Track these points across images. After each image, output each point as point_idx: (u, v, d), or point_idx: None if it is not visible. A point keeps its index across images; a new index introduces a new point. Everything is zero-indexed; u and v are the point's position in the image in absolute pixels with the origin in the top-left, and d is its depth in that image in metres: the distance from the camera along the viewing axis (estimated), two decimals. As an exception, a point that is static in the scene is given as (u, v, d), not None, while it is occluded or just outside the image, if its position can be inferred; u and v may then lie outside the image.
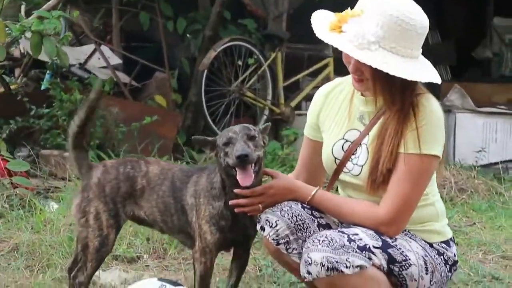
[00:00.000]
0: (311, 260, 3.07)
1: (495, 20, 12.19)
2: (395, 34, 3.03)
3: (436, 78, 3.13)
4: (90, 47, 8.43)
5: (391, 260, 3.14)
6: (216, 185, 3.29)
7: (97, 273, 3.97)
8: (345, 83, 3.42)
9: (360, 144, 3.28)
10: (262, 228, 3.28)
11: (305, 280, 3.15)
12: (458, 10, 11.98)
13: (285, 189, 3.31)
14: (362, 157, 3.26)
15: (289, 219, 3.25)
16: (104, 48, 8.31)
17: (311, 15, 3.22)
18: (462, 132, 8.70)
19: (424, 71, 3.13)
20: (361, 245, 3.08)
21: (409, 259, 3.17)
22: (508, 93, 10.65)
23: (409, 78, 3.04)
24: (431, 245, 3.31)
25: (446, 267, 3.32)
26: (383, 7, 3.03)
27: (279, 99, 8.02)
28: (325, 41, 3.11)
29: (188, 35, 8.67)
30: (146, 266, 4.39)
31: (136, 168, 3.45)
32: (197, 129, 7.84)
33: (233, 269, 3.49)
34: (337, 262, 3.03)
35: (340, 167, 3.33)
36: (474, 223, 5.63)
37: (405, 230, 3.29)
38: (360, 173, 3.26)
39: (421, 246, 3.27)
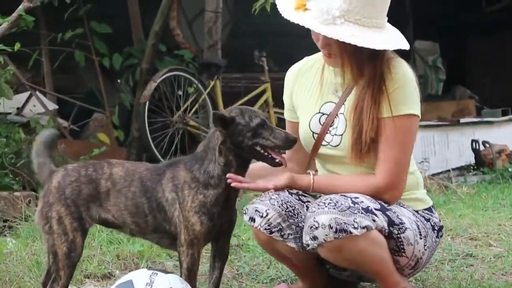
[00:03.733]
0: (318, 224, 3.06)
1: (416, 43, 12.50)
2: (358, 6, 3.08)
3: (404, 45, 3.18)
4: (24, 95, 8.31)
5: (390, 222, 3.18)
6: (215, 173, 3.21)
7: (72, 289, 3.89)
8: (314, 59, 3.47)
9: (337, 114, 3.31)
10: (252, 219, 3.26)
11: (308, 248, 3.13)
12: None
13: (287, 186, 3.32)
14: (341, 126, 3.29)
15: (279, 206, 3.25)
16: (39, 95, 8.22)
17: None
18: (401, 146, 8.82)
19: (391, 39, 3.18)
20: (364, 207, 3.10)
21: (404, 222, 3.22)
22: (437, 110, 10.92)
23: (377, 47, 3.09)
24: (416, 212, 3.36)
25: (434, 232, 3.36)
26: None
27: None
28: (291, 20, 3.14)
29: (118, 80, 8.65)
30: (120, 281, 4.28)
31: (98, 170, 3.35)
32: (143, 164, 7.78)
33: (215, 263, 3.42)
34: (345, 223, 3.04)
35: (319, 140, 3.35)
36: (436, 215, 5.70)
37: None
38: (340, 143, 3.28)
39: (411, 212, 3.31)
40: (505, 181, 7.99)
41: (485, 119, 9.72)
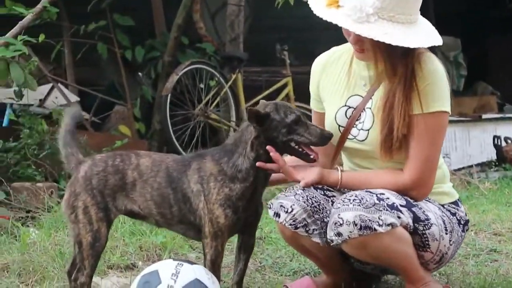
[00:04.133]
0: (343, 220, 3.04)
1: (437, 38, 12.38)
2: (392, 3, 3.03)
3: (437, 41, 3.14)
4: (46, 87, 8.34)
5: (415, 219, 3.15)
6: (243, 167, 3.19)
7: (96, 280, 3.89)
8: (342, 50, 3.43)
9: (364, 109, 3.28)
10: (277, 215, 3.24)
11: (332, 244, 3.11)
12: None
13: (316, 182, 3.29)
14: (368, 121, 3.26)
15: (304, 202, 3.23)
16: (61, 87, 8.24)
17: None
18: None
19: (425, 35, 3.13)
20: (389, 203, 3.08)
21: (430, 218, 3.19)
22: (459, 106, 10.81)
23: (411, 46, 3.04)
24: (442, 206, 3.33)
25: (459, 227, 3.33)
26: None
27: (242, 120, 8.01)
28: (323, 18, 3.09)
29: (139, 73, 8.65)
30: (143, 271, 4.29)
31: (126, 161, 3.34)
32: (164, 157, 7.79)
33: (240, 254, 3.42)
34: (370, 220, 3.02)
35: (345, 134, 3.33)
36: (459, 210, 5.68)
37: None
38: (366, 138, 3.26)
39: (437, 207, 3.28)
40: (527, 177, 7.94)
41: (507, 115, 9.66)
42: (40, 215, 5.62)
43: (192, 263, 3.18)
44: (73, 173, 3.37)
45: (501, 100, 11.55)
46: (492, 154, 8.99)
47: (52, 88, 8.08)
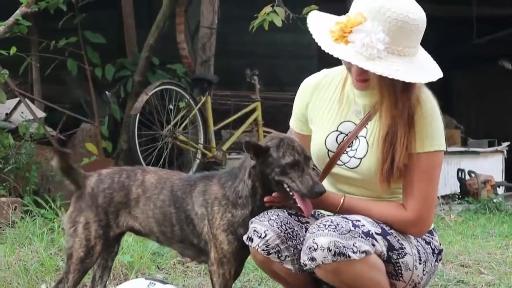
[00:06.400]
0: (317, 245, 3.00)
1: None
2: (400, 37, 2.99)
3: (439, 73, 3.10)
4: (13, 101, 8.23)
5: (390, 247, 3.13)
6: (243, 194, 3.18)
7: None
8: (333, 74, 3.40)
9: (357, 136, 3.26)
10: (250, 239, 3.18)
11: (306, 268, 3.08)
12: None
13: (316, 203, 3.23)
14: (361, 150, 3.23)
15: (278, 228, 3.17)
16: (28, 102, 8.14)
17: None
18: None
19: (427, 68, 3.09)
20: (365, 231, 3.06)
21: (405, 247, 3.18)
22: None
23: (423, 81, 3.03)
24: (418, 235, 3.32)
25: (433, 256, 3.33)
26: (385, 12, 2.97)
27: (210, 142, 7.99)
28: (334, 55, 3.01)
29: (106, 92, 8.59)
30: (109, 291, 4.23)
31: (131, 177, 3.34)
32: (129, 176, 7.71)
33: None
34: (344, 247, 2.99)
35: (334, 159, 3.29)
36: (425, 241, 5.70)
37: None
38: (358, 166, 3.23)
39: (412, 235, 3.27)
40: (490, 211, 8.01)
41: (471, 149, 9.75)
42: (3, 230, 5.53)
43: (164, 282, 3.15)
44: (80, 189, 3.33)
45: (464, 134, 11.66)
46: (455, 187, 9.06)
47: (18, 103, 7.98)
